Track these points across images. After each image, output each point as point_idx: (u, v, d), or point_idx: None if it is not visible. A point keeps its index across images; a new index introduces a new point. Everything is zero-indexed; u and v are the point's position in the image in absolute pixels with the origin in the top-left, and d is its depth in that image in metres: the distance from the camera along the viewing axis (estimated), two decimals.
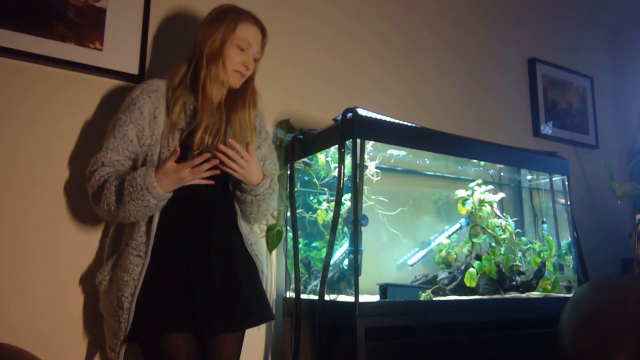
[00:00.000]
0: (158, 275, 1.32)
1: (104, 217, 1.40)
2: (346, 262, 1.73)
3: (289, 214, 1.79)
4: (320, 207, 1.87)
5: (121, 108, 1.43)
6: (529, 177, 2.49)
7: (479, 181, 2.08)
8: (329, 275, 1.65)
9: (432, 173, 2.31)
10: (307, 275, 1.81)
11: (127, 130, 1.38)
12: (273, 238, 1.80)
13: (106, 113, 1.58)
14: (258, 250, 1.51)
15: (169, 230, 1.36)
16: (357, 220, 1.52)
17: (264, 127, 1.64)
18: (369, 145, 1.77)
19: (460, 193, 2.09)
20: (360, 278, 1.50)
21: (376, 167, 1.86)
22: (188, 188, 1.38)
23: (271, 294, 1.85)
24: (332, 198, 1.84)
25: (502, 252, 1.99)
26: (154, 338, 1.29)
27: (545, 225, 2.34)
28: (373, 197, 1.89)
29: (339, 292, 1.70)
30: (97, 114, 1.60)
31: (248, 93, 1.53)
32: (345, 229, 1.74)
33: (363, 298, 1.57)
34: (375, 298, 1.67)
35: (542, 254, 2.09)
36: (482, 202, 2.04)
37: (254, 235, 1.54)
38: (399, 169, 2.17)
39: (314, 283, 1.78)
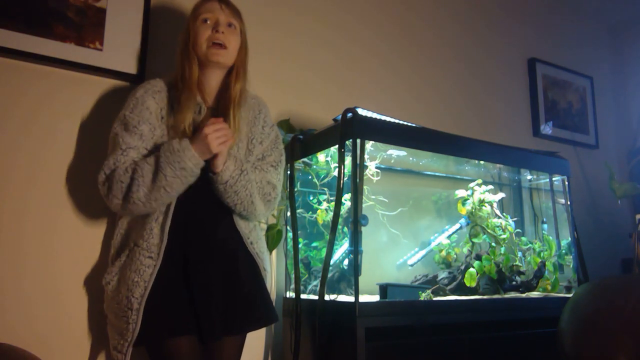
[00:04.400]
0: (164, 277, 1.32)
1: (135, 210, 1.33)
2: (346, 262, 1.73)
3: (289, 213, 1.79)
4: (320, 207, 1.87)
5: (126, 107, 1.40)
6: (529, 177, 2.49)
7: (479, 181, 2.07)
8: (329, 275, 1.65)
9: (432, 173, 2.31)
10: (307, 275, 1.81)
11: (142, 130, 1.36)
12: (273, 238, 1.80)
13: (106, 113, 1.58)
14: (259, 249, 1.50)
15: (173, 231, 1.36)
16: (357, 220, 1.52)
17: (269, 122, 1.59)
18: (369, 145, 1.77)
19: (460, 193, 2.09)
20: (360, 278, 1.50)
21: (376, 167, 1.86)
22: (192, 188, 1.37)
23: (271, 294, 1.84)
24: (332, 198, 1.84)
25: (502, 252, 1.99)
26: (159, 341, 1.28)
27: (545, 225, 2.34)
28: (373, 197, 1.89)
29: (339, 292, 1.70)
30: (97, 113, 1.60)
31: (234, 70, 1.48)
32: (345, 229, 1.74)
33: (363, 298, 1.57)
34: (375, 298, 1.67)
35: (542, 254, 2.09)
36: (482, 202, 2.04)
37: (256, 234, 1.52)
38: (399, 169, 2.17)
39: (314, 283, 1.78)
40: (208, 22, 1.43)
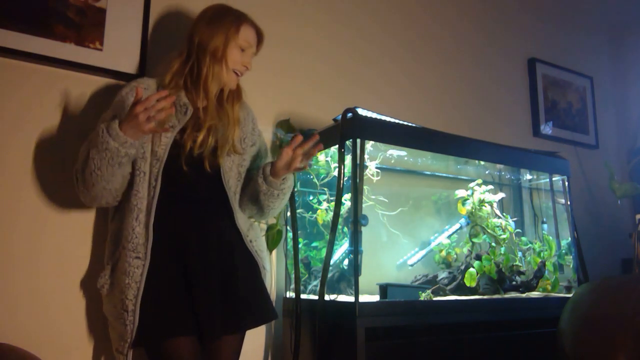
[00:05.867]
0: (159, 277, 1.31)
1: (85, 199, 1.36)
2: (346, 262, 1.73)
3: (289, 213, 1.79)
4: (320, 207, 1.87)
5: (111, 105, 1.42)
6: (529, 177, 2.49)
7: (479, 181, 2.08)
8: (329, 275, 1.65)
9: (432, 173, 2.31)
10: (307, 275, 1.81)
11: None
12: (273, 237, 1.80)
13: None
14: (259, 247, 1.51)
15: (166, 230, 1.35)
16: (357, 220, 1.52)
17: (257, 125, 1.64)
18: (369, 145, 1.77)
19: (460, 193, 2.09)
20: (360, 278, 1.50)
21: (376, 167, 1.86)
22: (184, 186, 1.38)
23: (271, 294, 1.84)
24: (332, 198, 1.84)
25: (502, 252, 1.99)
26: (157, 342, 1.28)
27: (545, 225, 2.34)
28: (373, 197, 1.89)
29: (339, 292, 1.70)
30: (96, 113, 1.59)
31: (235, 89, 1.54)
32: (345, 229, 1.74)
33: (363, 298, 1.57)
34: (375, 298, 1.67)
35: (542, 254, 2.09)
36: (482, 202, 2.04)
37: (254, 232, 1.53)
38: (399, 169, 2.17)
39: (314, 283, 1.78)
40: (244, 51, 1.49)
